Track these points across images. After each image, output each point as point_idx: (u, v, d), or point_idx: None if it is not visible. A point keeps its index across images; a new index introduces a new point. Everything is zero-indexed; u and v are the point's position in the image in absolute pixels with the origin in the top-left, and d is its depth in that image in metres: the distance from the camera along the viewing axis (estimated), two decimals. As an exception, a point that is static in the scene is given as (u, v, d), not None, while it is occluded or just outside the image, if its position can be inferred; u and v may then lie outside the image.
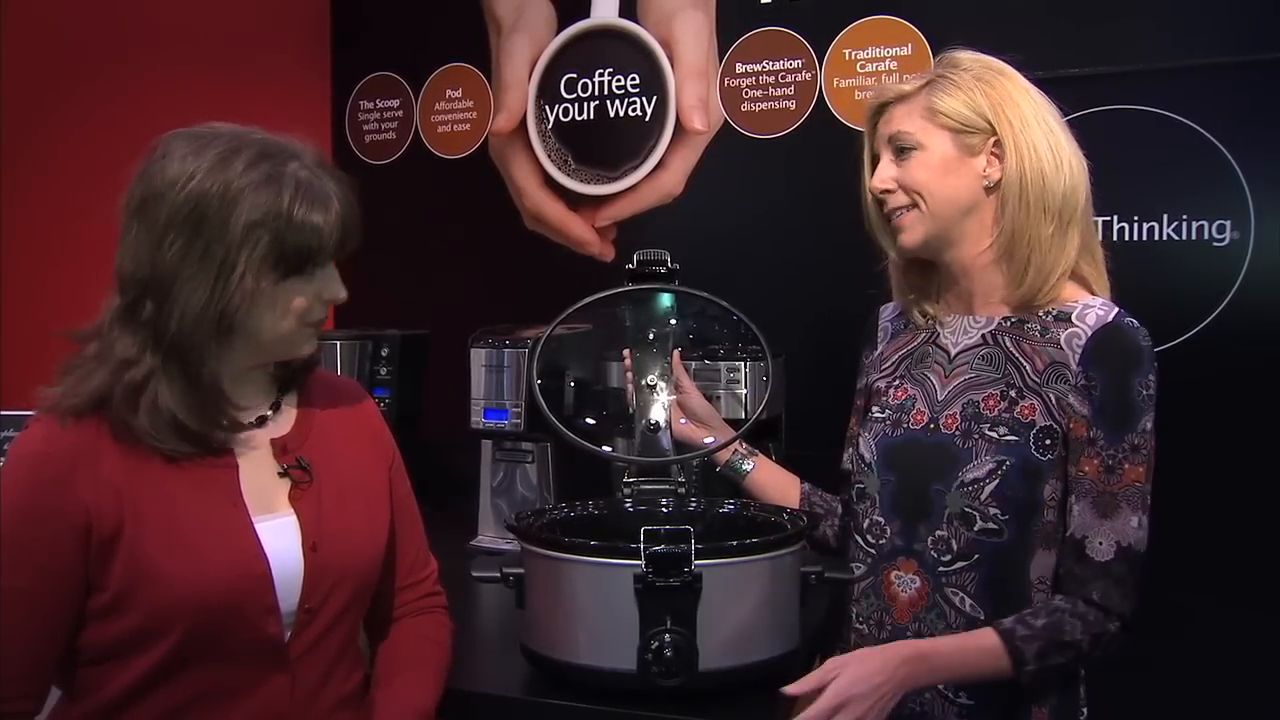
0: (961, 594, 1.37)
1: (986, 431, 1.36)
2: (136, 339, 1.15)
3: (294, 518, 1.23)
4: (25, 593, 1.11)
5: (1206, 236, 2.24)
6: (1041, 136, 1.36)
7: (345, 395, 1.38)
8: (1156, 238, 2.27)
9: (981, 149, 1.38)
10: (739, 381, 2.15)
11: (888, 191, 1.42)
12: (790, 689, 1.23)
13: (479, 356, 2.25)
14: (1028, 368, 1.36)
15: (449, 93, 3.02)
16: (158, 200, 1.14)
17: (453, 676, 1.37)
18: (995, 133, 1.37)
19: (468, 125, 3.00)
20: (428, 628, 1.40)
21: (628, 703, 1.30)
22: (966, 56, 1.43)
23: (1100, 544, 1.31)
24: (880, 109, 1.46)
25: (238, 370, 1.23)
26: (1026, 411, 1.35)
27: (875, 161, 1.47)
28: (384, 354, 2.46)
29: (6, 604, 1.11)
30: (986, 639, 1.29)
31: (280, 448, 1.26)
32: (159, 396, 1.14)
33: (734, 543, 1.32)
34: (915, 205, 1.41)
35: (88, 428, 1.15)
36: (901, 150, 1.41)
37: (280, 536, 1.21)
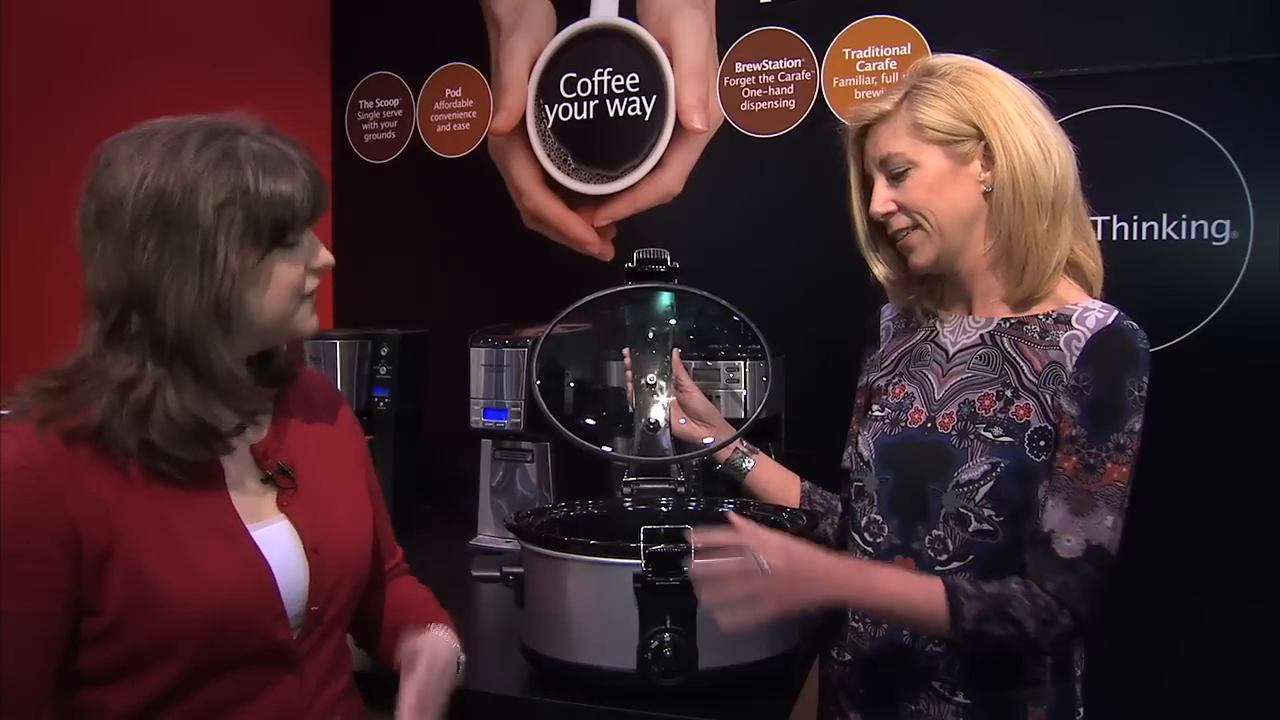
0: (957, 594, 1.36)
1: (982, 432, 1.35)
2: (133, 356, 1.10)
3: (287, 523, 1.22)
4: (13, 614, 1.05)
5: (1206, 236, 2.25)
6: (1027, 131, 1.35)
7: (316, 391, 1.36)
8: (1156, 237, 2.27)
9: (974, 155, 1.37)
10: (739, 381, 2.15)
11: (889, 214, 1.41)
12: (698, 538, 1.22)
13: (479, 356, 2.25)
14: (1025, 369, 1.36)
15: (448, 92, 3.03)
16: (116, 209, 1.09)
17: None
18: (983, 137, 1.36)
19: (467, 125, 3.00)
20: (410, 584, 1.44)
21: (627, 702, 1.30)
22: (941, 61, 1.40)
23: (1068, 541, 1.29)
24: (864, 130, 1.44)
25: (236, 362, 1.17)
26: (1021, 412, 1.34)
27: (864, 182, 1.46)
28: (384, 353, 2.45)
29: None
30: (931, 585, 1.28)
31: (261, 454, 1.23)
32: (171, 405, 1.09)
33: (733, 542, 1.32)
34: (919, 226, 1.40)
35: (69, 442, 1.08)
36: (895, 173, 1.40)
37: (278, 543, 1.19)
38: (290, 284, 1.17)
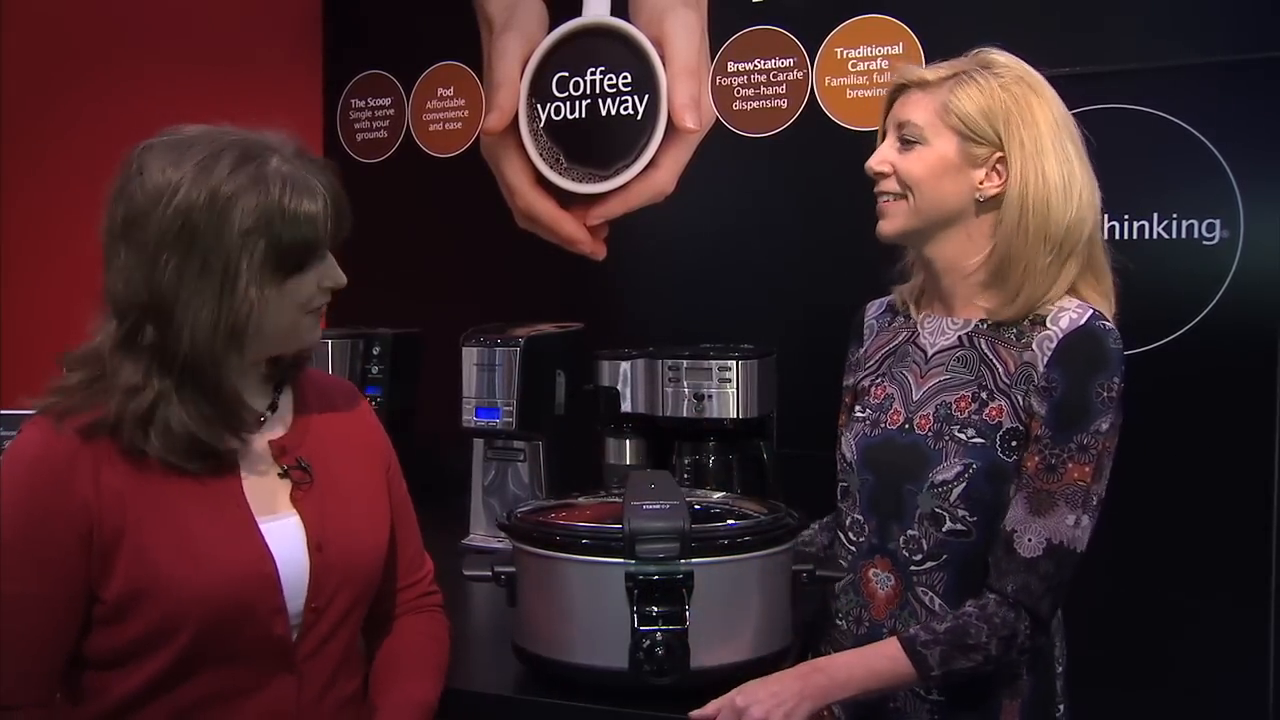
0: (931, 593, 1.37)
1: (956, 433, 1.36)
2: (139, 365, 1.12)
3: (297, 518, 1.23)
4: (31, 597, 1.10)
5: (1196, 235, 2.25)
6: (1055, 164, 1.32)
7: (340, 396, 1.37)
8: (1146, 236, 2.28)
9: (984, 161, 1.35)
10: (730, 380, 2.15)
11: (882, 174, 1.40)
12: (695, 714, 1.23)
13: (470, 355, 2.24)
14: (1000, 370, 1.36)
15: (440, 91, 3.02)
16: (143, 219, 1.11)
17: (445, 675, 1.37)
18: (1003, 149, 1.34)
19: (459, 124, 3.00)
20: (426, 625, 1.40)
21: (620, 701, 1.30)
22: (1002, 60, 1.38)
23: (1029, 540, 1.29)
24: (901, 88, 1.42)
25: (241, 370, 1.21)
26: (994, 413, 1.34)
27: (884, 137, 1.44)
28: (375, 353, 2.45)
29: (12, 609, 1.10)
30: (888, 648, 1.29)
31: (279, 449, 1.25)
32: (171, 419, 1.12)
33: (725, 541, 1.32)
34: (904, 197, 1.39)
35: (85, 436, 1.13)
36: (906, 139, 1.39)
37: (285, 536, 1.20)
38: (300, 303, 1.19)
